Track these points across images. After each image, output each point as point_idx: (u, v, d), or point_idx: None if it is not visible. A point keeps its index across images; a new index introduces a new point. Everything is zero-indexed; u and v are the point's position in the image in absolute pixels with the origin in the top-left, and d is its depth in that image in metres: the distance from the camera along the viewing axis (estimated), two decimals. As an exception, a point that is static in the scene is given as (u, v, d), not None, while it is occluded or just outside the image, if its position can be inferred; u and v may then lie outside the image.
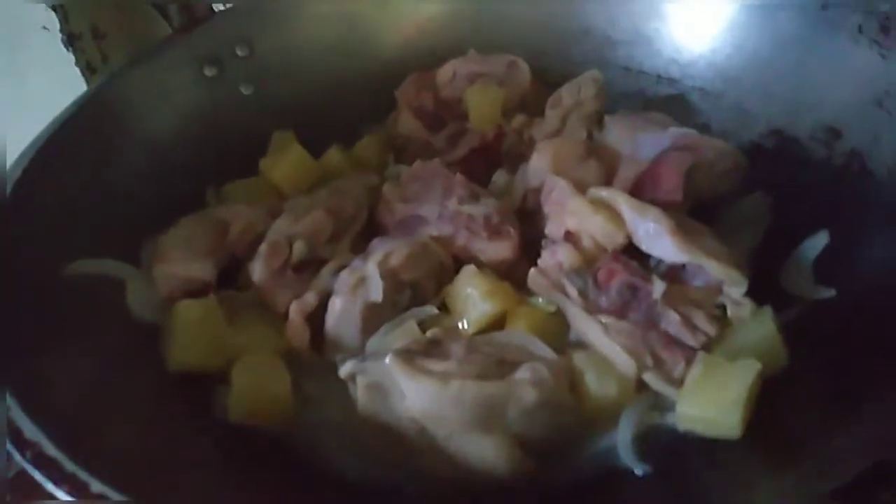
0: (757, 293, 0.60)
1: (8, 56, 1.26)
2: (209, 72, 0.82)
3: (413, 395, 0.52)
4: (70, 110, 0.69)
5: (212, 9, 0.84)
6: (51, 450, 0.46)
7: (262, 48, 0.85)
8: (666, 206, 0.66)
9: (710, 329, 0.57)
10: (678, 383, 0.55)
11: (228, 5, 0.87)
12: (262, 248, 0.64)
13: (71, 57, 1.25)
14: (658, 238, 0.60)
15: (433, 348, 0.54)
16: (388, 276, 0.62)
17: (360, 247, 0.69)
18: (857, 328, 0.57)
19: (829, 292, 0.60)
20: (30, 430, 0.46)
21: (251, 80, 0.85)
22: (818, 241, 0.64)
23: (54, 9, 1.22)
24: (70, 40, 1.25)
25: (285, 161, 0.76)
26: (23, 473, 0.46)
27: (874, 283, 0.59)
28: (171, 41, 0.81)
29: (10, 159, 0.64)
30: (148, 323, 0.63)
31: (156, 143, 0.76)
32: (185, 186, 0.76)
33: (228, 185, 0.77)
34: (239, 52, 0.84)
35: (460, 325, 0.62)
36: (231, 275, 0.69)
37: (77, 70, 1.26)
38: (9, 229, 0.59)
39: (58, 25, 1.22)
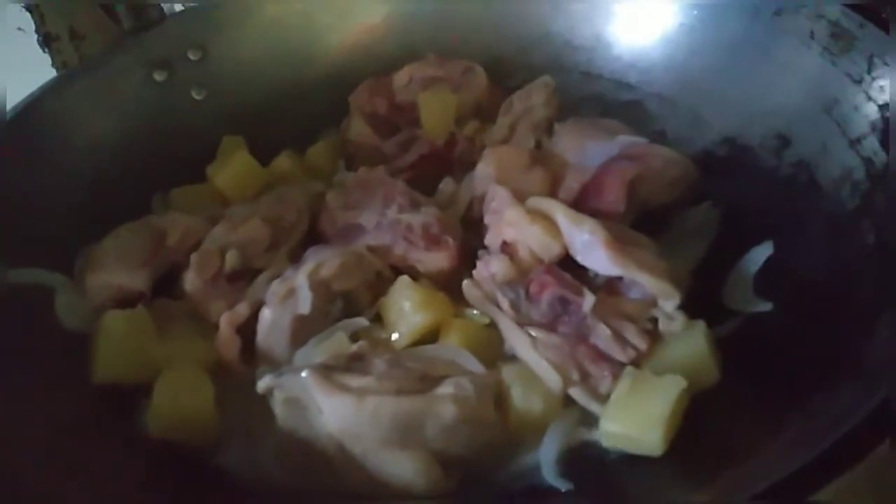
0: (697, 306, 0.59)
1: (-18, 57, 1.26)
2: (159, 76, 0.82)
3: (329, 411, 0.51)
4: (8, 115, 0.68)
5: (163, 12, 0.83)
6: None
7: (215, 52, 0.85)
8: (608, 217, 0.65)
9: (641, 343, 0.55)
10: (604, 399, 0.53)
11: (179, 8, 0.86)
12: (194, 257, 0.63)
13: (47, 58, 1.25)
14: (592, 250, 0.58)
15: (355, 363, 0.53)
16: (319, 286, 0.61)
17: (300, 256, 0.68)
18: (792, 342, 0.55)
19: (766, 306, 0.59)
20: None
21: (203, 85, 0.84)
22: (761, 253, 0.63)
23: (30, 10, 1.22)
24: (46, 41, 1.25)
25: (230, 167, 0.75)
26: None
27: (812, 296, 0.57)
28: (120, 45, 0.81)
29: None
30: (78, 333, 0.63)
31: (100, 150, 0.76)
32: (131, 193, 0.75)
33: (174, 191, 0.76)
34: (191, 56, 0.84)
35: (392, 337, 0.61)
36: (171, 282, 0.68)
37: (54, 71, 1.25)
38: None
39: (33, 26, 1.22)
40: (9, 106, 0.71)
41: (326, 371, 0.51)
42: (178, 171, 0.78)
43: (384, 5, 0.90)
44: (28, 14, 1.21)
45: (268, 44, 0.87)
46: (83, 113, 0.75)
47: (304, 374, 0.51)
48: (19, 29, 1.23)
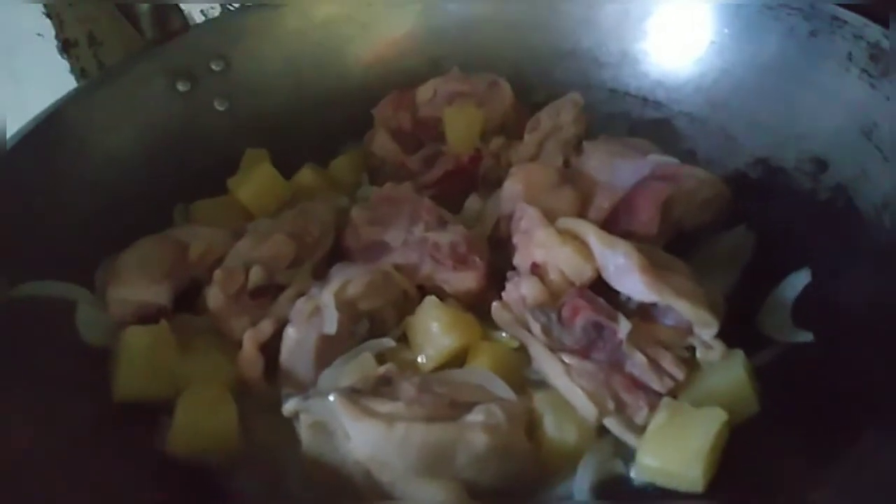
0: (732, 334, 0.57)
1: (4, 62, 1.26)
2: (182, 86, 0.81)
3: (357, 437, 0.49)
4: (29, 126, 0.67)
5: (187, 22, 0.82)
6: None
7: (238, 63, 0.84)
8: (641, 239, 0.63)
9: (678, 373, 0.54)
10: (640, 430, 0.52)
11: (203, 19, 0.85)
12: (217, 273, 0.62)
13: (66, 63, 1.24)
14: (627, 274, 0.57)
15: (383, 387, 0.52)
16: (345, 306, 0.59)
17: (323, 272, 0.67)
18: (834, 375, 0.54)
19: (807, 336, 0.57)
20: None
21: (226, 96, 0.83)
22: (799, 280, 0.61)
23: (49, 16, 1.22)
24: (65, 47, 1.25)
25: (253, 180, 0.74)
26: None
27: (854, 328, 0.56)
28: (143, 54, 0.80)
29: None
30: (99, 347, 0.61)
31: (122, 161, 0.74)
32: (152, 205, 0.74)
33: (195, 203, 0.75)
34: (214, 67, 0.83)
35: (419, 360, 0.59)
36: (192, 297, 0.67)
37: (72, 77, 1.25)
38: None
39: (52, 32, 1.22)
40: (31, 115, 0.70)
41: (354, 395, 0.50)
42: (200, 182, 0.77)
43: (408, 19, 0.89)
44: (48, 20, 1.21)
45: (290, 55, 0.86)
46: (104, 123, 0.74)
47: (331, 398, 0.50)
48: (38, 35, 1.23)
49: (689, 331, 0.56)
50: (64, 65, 1.25)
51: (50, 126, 0.69)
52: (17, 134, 0.66)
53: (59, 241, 0.66)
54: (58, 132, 0.70)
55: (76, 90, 0.74)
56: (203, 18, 0.86)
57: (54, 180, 0.68)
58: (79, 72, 1.27)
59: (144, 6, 0.79)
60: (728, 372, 0.53)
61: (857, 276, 0.58)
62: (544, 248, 0.60)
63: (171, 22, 0.81)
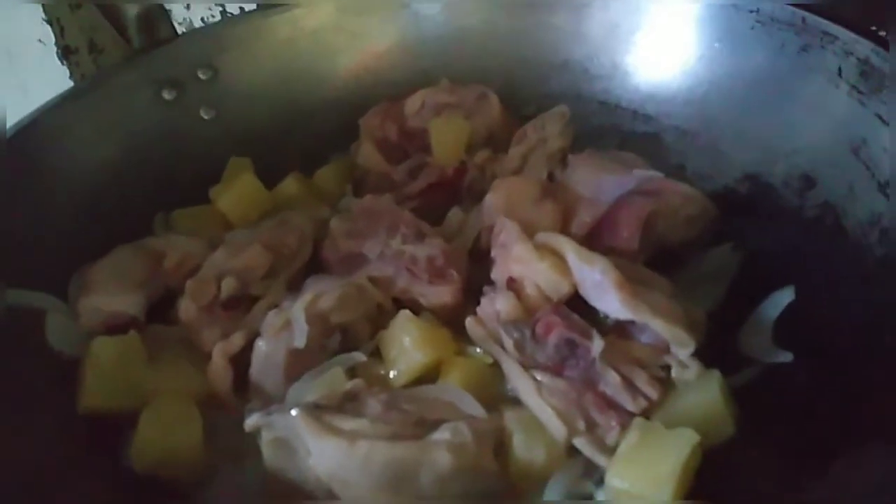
0: (712, 353, 0.56)
1: (5, 68, 1.27)
2: (168, 95, 0.80)
3: (319, 454, 0.48)
4: (7, 135, 0.67)
5: (175, 31, 0.82)
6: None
7: (226, 72, 0.83)
8: (622, 254, 0.62)
9: (652, 392, 0.52)
10: (610, 451, 0.50)
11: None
12: (189, 284, 0.61)
13: (66, 70, 1.25)
14: (603, 291, 0.56)
15: (348, 403, 0.51)
16: (316, 319, 0.58)
17: (300, 284, 0.66)
18: (813, 397, 0.52)
19: (786, 356, 0.56)
20: None
21: (213, 105, 0.82)
22: (782, 299, 0.60)
23: (50, 23, 1.23)
24: (65, 54, 1.25)
25: (234, 190, 0.74)
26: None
27: (836, 348, 0.54)
28: (129, 62, 0.79)
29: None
30: (68, 357, 0.61)
31: (104, 169, 0.74)
32: (134, 213, 0.74)
33: (175, 212, 0.74)
34: (201, 76, 0.82)
35: (391, 374, 0.58)
36: (168, 307, 0.66)
37: (72, 84, 1.26)
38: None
39: (53, 39, 1.23)
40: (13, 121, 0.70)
41: (317, 411, 0.49)
42: (184, 191, 0.76)
43: (397, 29, 0.88)
44: (48, 26, 1.22)
45: (279, 65, 0.86)
46: (88, 130, 0.74)
47: (293, 413, 0.49)
48: (39, 41, 1.24)
49: (665, 349, 0.55)
50: (64, 71, 1.25)
51: (30, 132, 0.69)
52: (-5, 140, 0.66)
53: (36, 250, 0.65)
54: (39, 138, 0.69)
55: (60, 96, 0.73)
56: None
57: (32, 187, 0.67)
58: (79, 78, 1.28)
59: (131, 14, 0.78)
60: (703, 392, 0.52)
61: (842, 296, 0.57)
62: (521, 262, 0.59)
63: (158, 30, 0.81)
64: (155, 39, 0.80)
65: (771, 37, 0.71)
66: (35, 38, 1.22)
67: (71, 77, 1.24)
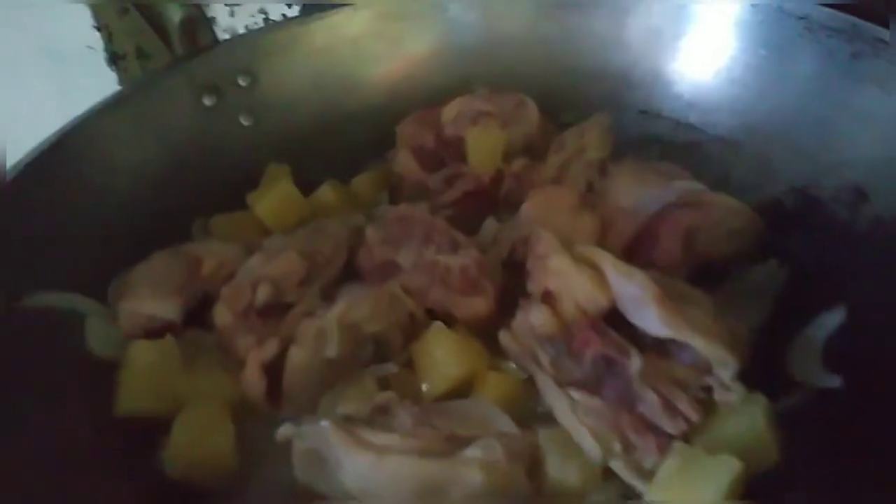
0: (757, 374, 0.54)
1: (55, 73, 1.30)
2: (208, 101, 0.81)
3: (349, 467, 0.48)
4: (51, 139, 0.68)
5: (216, 37, 0.83)
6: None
7: (265, 78, 0.83)
8: (662, 269, 0.60)
9: (693, 415, 0.50)
10: (649, 475, 0.49)
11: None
12: (224, 290, 0.61)
13: (114, 76, 1.28)
14: (642, 306, 0.54)
15: (379, 416, 0.50)
16: (349, 328, 0.58)
17: (334, 291, 0.65)
18: (863, 425, 0.50)
19: (835, 381, 0.53)
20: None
21: (251, 111, 0.83)
22: (832, 320, 0.57)
23: (99, 29, 1.25)
24: (113, 59, 1.28)
25: (271, 196, 0.74)
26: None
27: (889, 373, 0.51)
28: (170, 68, 0.80)
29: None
30: (107, 360, 0.61)
31: (144, 174, 0.75)
32: (174, 219, 0.74)
33: (214, 218, 0.75)
34: (241, 82, 0.83)
35: (423, 387, 0.57)
36: (205, 311, 0.66)
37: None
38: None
39: (102, 45, 1.26)
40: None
41: (348, 424, 0.49)
42: (222, 197, 0.77)
43: (436, 36, 0.88)
44: (97, 32, 1.25)
45: (318, 71, 0.86)
46: (129, 136, 0.75)
47: (324, 425, 0.48)
48: (89, 47, 1.27)
49: (707, 369, 0.53)
50: (113, 77, 1.28)
51: (73, 138, 0.70)
52: (40, 146, 0.67)
53: (78, 253, 0.66)
54: (81, 144, 0.70)
55: (101, 103, 0.74)
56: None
57: (74, 192, 0.68)
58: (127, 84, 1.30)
59: (175, 21, 0.79)
60: (747, 417, 0.50)
61: (894, 317, 0.54)
62: (558, 275, 0.58)
63: (200, 37, 0.82)
64: (197, 46, 0.81)
65: (820, 44, 0.69)
66: (84, 44, 1.25)
67: (119, 83, 1.27)
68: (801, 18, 0.70)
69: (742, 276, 0.65)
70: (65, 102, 1.36)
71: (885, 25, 0.61)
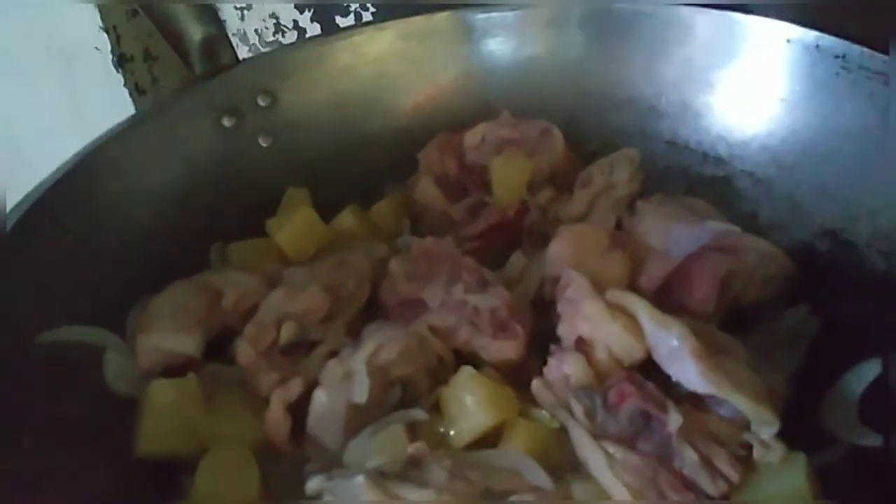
0: (790, 427, 0.53)
1: (61, 74, 1.28)
2: (228, 122, 0.79)
3: (382, 526, 0.46)
4: (70, 163, 0.66)
5: (237, 57, 0.81)
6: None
7: (286, 99, 0.82)
8: (695, 315, 0.59)
9: (733, 474, 0.49)
10: (688, 538, 0.48)
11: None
12: (248, 329, 0.60)
13: (120, 78, 1.26)
14: (680, 359, 0.53)
15: (412, 469, 0.49)
16: (378, 372, 0.57)
17: (357, 327, 0.64)
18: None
19: (875, 439, 0.52)
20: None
21: (270, 132, 0.81)
22: (867, 372, 0.56)
23: (107, 30, 1.24)
24: (120, 61, 1.27)
25: (291, 224, 0.72)
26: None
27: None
28: (190, 88, 0.79)
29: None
30: (125, 398, 0.60)
31: (162, 198, 0.73)
32: (189, 243, 0.73)
33: (231, 245, 0.73)
34: (261, 102, 0.81)
35: (451, 433, 0.56)
36: (223, 343, 0.65)
37: (125, 92, 1.27)
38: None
39: (109, 46, 1.24)
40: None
41: (381, 479, 0.47)
42: (239, 221, 0.76)
43: (459, 58, 0.86)
44: (105, 34, 1.23)
45: (338, 92, 0.84)
46: (148, 159, 0.73)
47: (358, 480, 0.47)
48: (96, 48, 1.25)
49: (745, 426, 0.52)
50: (119, 79, 1.27)
51: (91, 162, 0.68)
52: (58, 171, 0.66)
53: (92, 282, 0.65)
54: (99, 168, 0.69)
55: (121, 125, 0.73)
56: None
57: (91, 218, 0.67)
58: (133, 86, 1.29)
59: (196, 40, 0.78)
60: (788, 478, 0.49)
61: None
62: (592, 322, 0.57)
63: (220, 56, 0.80)
64: (217, 66, 0.80)
65: (857, 85, 0.67)
66: (92, 46, 1.23)
67: (125, 85, 1.25)
68: (838, 57, 0.69)
69: (772, 322, 0.64)
70: (71, 104, 1.35)
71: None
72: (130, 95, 1.26)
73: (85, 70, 1.27)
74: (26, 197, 0.63)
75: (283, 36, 1.16)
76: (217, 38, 0.79)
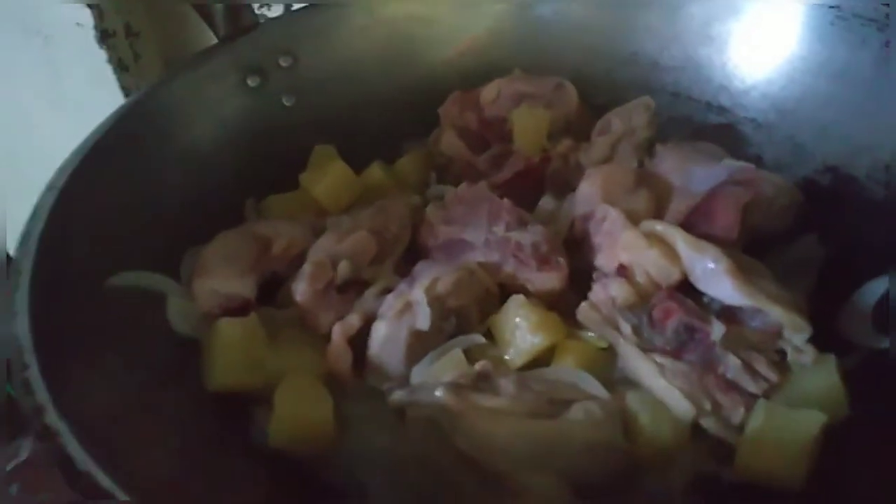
0: (814, 339, 0.58)
1: (43, 50, 1.26)
2: (252, 82, 0.81)
3: (464, 431, 0.50)
4: (113, 119, 0.67)
5: (257, 19, 0.82)
6: (104, 481, 0.44)
7: (306, 59, 0.84)
8: (720, 244, 0.64)
9: (772, 375, 0.55)
10: (737, 430, 0.53)
11: (273, 14, 0.86)
12: (306, 267, 0.63)
13: (103, 54, 1.25)
14: (716, 278, 0.58)
15: (482, 382, 0.53)
16: (435, 302, 0.60)
17: (401, 269, 0.68)
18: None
19: (885, 341, 0.58)
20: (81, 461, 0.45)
21: (293, 92, 0.83)
22: (877, 287, 0.62)
23: (90, 6, 1.22)
24: (103, 37, 1.25)
25: (328, 176, 0.75)
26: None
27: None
28: (215, 50, 0.80)
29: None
30: (188, 338, 0.62)
31: (197, 154, 0.75)
32: (224, 198, 0.74)
33: (268, 198, 0.75)
34: (282, 63, 0.83)
35: (507, 357, 0.60)
36: (269, 291, 0.68)
37: (109, 67, 1.26)
38: (54, 239, 0.57)
39: (91, 22, 1.22)
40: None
41: (460, 390, 0.51)
42: (268, 177, 0.77)
43: (471, 20, 0.89)
44: (87, 10, 1.22)
45: (356, 52, 0.86)
46: (182, 116, 0.74)
47: (438, 392, 0.50)
48: (78, 24, 1.23)
49: (777, 334, 0.57)
50: (102, 55, 1.25)
51: (133, 118, 0.69)
52: (100, 128, 0.67)
53: (144, 233, 0.66)
54: (140, 125, 0.70)
55: (151, 86, 0.74)
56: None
57: (139, 173, 0.68)
58: (115, 62, 1.28)
59: (220, 5, 0.79)
60: (822, 375, 0.54)
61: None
62: (630, 250, 0.61)
63: (242, 19, 0.82)
64: (239, 27, 0.81)
65: (852, 32, 0.73)
66: (73, 22, 1.21)
67: (108, 60, 1.24)
68: (833, 7, 0.74)
69: (784, 250, 0.69)
70: (51, 80, 1.33)
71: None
72: (114, 71, 1.24)
73: (66, 46, 1.25)
74: (75, 152, 0.64)
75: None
76: (238, 1, 0.80)
